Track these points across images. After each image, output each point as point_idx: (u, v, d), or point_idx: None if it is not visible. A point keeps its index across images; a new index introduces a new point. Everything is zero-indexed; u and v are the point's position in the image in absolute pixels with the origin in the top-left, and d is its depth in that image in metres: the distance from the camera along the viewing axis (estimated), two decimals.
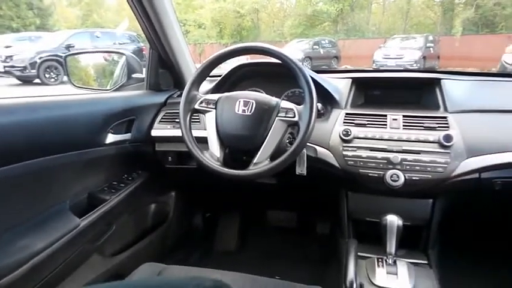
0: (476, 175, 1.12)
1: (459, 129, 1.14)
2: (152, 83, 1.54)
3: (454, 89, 1.28)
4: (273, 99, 1.12)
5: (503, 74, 1.60)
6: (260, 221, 2.09)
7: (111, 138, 1.30)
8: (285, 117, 1.08)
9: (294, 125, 1.08)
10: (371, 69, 2.05)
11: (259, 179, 1.19)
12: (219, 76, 1.48)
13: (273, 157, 1.07)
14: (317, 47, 14.84)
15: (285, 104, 1.10)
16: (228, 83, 1.46)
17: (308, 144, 1.20)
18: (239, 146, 1.15)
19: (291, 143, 1.10)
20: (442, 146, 1.11)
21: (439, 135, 1.12)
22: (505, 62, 5.65)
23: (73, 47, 9.24)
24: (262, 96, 1.14)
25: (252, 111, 1.09)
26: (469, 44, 13.67)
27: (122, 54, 1.64)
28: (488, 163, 1.10)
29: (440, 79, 1.29)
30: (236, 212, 2.07)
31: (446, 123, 1.16)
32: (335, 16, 19.36)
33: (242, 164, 1.09)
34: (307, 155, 1.19)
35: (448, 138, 1.11)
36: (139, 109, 1.42)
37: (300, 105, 1.08)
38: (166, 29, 1.39)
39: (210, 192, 1.92)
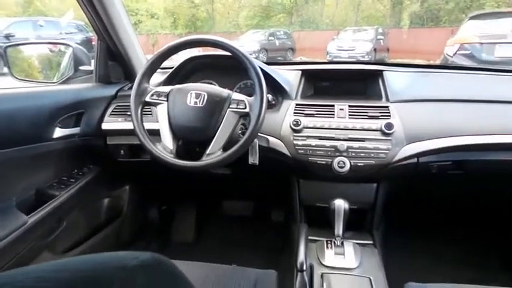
0: (415, 160, 1.21)
1: (399, 118, 1.22)
2: (101, 76, 1.50)
3: (395, 80, 1.36)
4: (225, 91, 1.14)
5: (440, 66, 1.73)
6: (216, 212, 2.12)
7: (58, 132, 1.26)
8: (236, 108, 1.10)
9: (245, 116, 1.11)
10: (320, 61, 2.12)
11: (212, 170, 1.21)
12: (171, 68, 1.47)
13: (225, 148, 1.10)
14: (272, 38, 14.90)
15: (236, 95, 1.13)
16: (180, 75, 1.46)
17: (260, 134, 1.24)
18: (192, 138, 1.17)
19: (243, 134, 1.13)
20: (384, 134, 1.19)
21: (381, 123, 1.20)
22: (446, 54, 5.99)
23: (13, 36, 8.64)
24: (214, 88, 1.16)
25: (203, 103, 1.11)
26: (416, 37, 14.33)
27: (68, 45, 1.58)
28: (425, 148, 1.19)
29: (382, 71, 1.37)
30: (192, 203, 2.08)
31: (388, 112, 1.24)
32: (290, 8, 19.55)
33: (196, 156, 1.11)
34: (259, 145, 1.23)
35: (389, 126, 1.18)
36: (88, 102, 1.38)
37: (251, 96, 1.11)
38: (113, 18, 1.36)
39: (165, 185, 1.92)
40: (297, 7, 19.51)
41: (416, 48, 12.17)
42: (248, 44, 13.47)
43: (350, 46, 12.19)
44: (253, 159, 1.23)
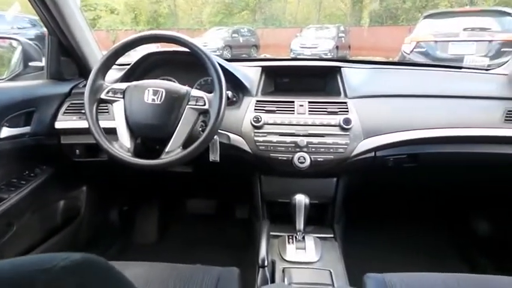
0: (372, 154, 1.24)
1: (357, 113, 1.25)
2: (53, 72, 1.43)
3: (353, 77, 1.39)
4: (183, 88, 1.12)
5: (396, 63, 1.79)
6: (180, 211, 2.08)
7: (6, 132, 1.19)
8: (195, 105, 1.09)
9: (204, 112, 1.10)
10: (279, 58, 2.14)
11: (173, 168, 1.19)
12: (129, 65, 1.42)
13: (185, 145, 1.08)
14: (236, 35, 14.85)
15: (195, 92, 1.11)
16: (138, 72, 1.42)
17: (220, 131, 1.23)
18: (151, 136, 1.15)
19: (203, 131, 1.11)
20: (343, 129, 1.21)
21: (339, 119, 1.22)
22: (404, 51, 6.21)
23: None
24: (172, 85, 1.14)
25: (161, 100, 1.09)
26: (376, 34, 14.74)
27: (17, 40, 1.50)
28: (382, 143, 1.23)
29: (340, 67, 1.39)
30: (155, 203, 2.04)
31: (346, 108, 1.26)
32: (253, 5, 19.57)
33: (156, 154, 1.09)
34: (220, 142, 1.22)
35: (347, 121, 1.21)
36: (39, 100, 1.31)
37: (211, 93, 1.10)
38: (64, 11, 1.30)
39: (125, 185, 1.86)
40: (260, 4, 19.57)
41: (377, 45, 12.52)
42: (212, 41, 13.35)
43: (313, 44, 12.36)
44: (214, 156, 1.22)
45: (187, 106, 1.09)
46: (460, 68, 1.59)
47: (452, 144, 1.28)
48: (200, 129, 1.16)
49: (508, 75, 1.43)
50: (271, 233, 1.27)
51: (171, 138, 1.08)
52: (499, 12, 6.21)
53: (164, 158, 1.06)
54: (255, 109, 1.29)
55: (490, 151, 1.28)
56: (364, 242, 1.61)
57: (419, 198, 1.88)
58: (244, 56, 13.59)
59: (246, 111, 1.29)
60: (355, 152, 1.21)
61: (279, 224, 1.33)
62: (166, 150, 1.07)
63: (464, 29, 5.77)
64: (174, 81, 1.35)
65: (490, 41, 5.49)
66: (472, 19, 6.07)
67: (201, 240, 1.90)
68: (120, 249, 1.82)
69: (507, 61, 1.50)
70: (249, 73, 1.42)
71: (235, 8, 19.62)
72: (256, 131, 1.24)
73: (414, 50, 6.00)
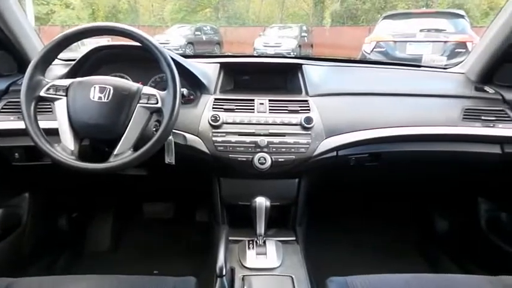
0: (334, 153, 1.21)
1: (318, 112, 1.21)
2: None
3: (314, 74, 1.36)
4: (134, 85, 1.04)
5: (357, 61, 1.78)
6: (135, 215, 1.97)
7: None
8: (147, 103, 1.02)
9: (157, 111, 1.03)
10: (239, 54, 2.08)
11: (124, 172, 1.10)
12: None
13: (136, 147, 1.01)
14: (199, 33, 14.68)
15: (147, 89, 1.04)
16: (85, 68, 1.30)
17: (176, 131, 1.16)
18: (98, 137, 1.07)
19: (157, 131, 1.03)
20: (304, 128, 1.17)
21: (301, 117, 1.18)
22: (364, 51, 6.37)
23: None
24: (122, 81, 1.05)
25: (109, 98, 1.00)
26: (337, 35, 15.05)
27: None
28: (344, 141, 1.20)
29: (301, 64, 1.35)
30: (107, 208, 1.91)
31: (307, 106, 1.22)
32: (216, 3, 19.43)
33: (105, 157, 1.00)
34: (175, 142, 1.15)
35: (308, 120, 1.17)
36: None
37: (165, 91, 1.02)
38: None
39: (74, 190, 1.73)
40: (223, 2, 19.47)
41: (339, 45, 12.78)
42: (174, 38, 13.16)
43: (276, 42, 12.41)
44: (170, 158, 1.15)
45: (138, 105, 1.01)
46: (419, 66, 1.60)
47: (413, 142, 1.28)
48: (154, 129, 1.08)
49: (464, 74, 1.45)
50: (231, 238, 1.21)
51: (120, 139, 0.99)
52: (453, 14, 6.51)
53: (112, 162, 0.98)
54: (213, 107, 1.22)
55: (449, 149, 1.29)
56: (327, 244, 1.59)
57: (381, 198, 1.88)
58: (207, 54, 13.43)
59: (204, 110, 1.22)
60: (316, 152, 1.17)
61: (240, 228, 1.27)
62: (115, 152, 0.99)
63: (421, 30, 6.00)
64: (127, 79, 1.26)
65: (445, 42, 5.73)
66: (428, 20, 6.33)
67: (159, 247, 1.80)
68: (69, 260, 1.69)
69: (463, 60, 1.52)
70: (207, 70, 1.35)
71: (198, 6, 19.42)
72: (214, 130, 1.18)
73: (374, 49, 6.16)
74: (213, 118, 1.18)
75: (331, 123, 1.20)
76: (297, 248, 1.24)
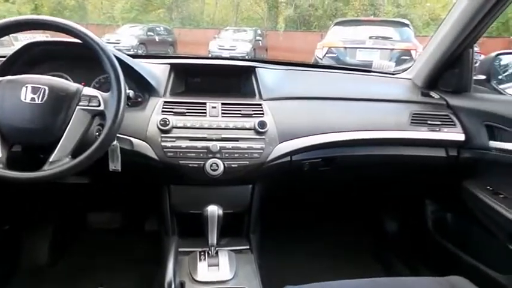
0: (288, 158, 1.19)
1: (272, 116, 1.19)
2: None
3: (268, 78, 1.33)
4: (73, 85, 0.96)
5: (311, 65, 1.78)
6: (80, 227, 1.83)
7: None
8: (87, 106, 0.95)
9: (100, 114, 0.97)
10: (190, 56, 2.01)
11: (62, 180, 1.01)
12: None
13: (76, 153, 0.93)
14: (152, 33, 14.35)
15: (88, 90, 0.97)
16: (17, 66, 1.18)
17: (121, 136, 1.09)
18: (31, 142, 0.97)
19: (100, 136, 0.96)
20: (258, 133, 1.14)
21: (254, 122, 1.14)
22: (317, 56, 6.54)
23: None
24: (59, 81, 0.97)
25: (44, 99, 0.92)
26: (291, 40, 15.32)
27: None
28: (298, 146, 1.19)
29: (255, 67, 1.32)
30: (47, 219, 1.75)
31: (261, 110, 1.19)
32: (170, 3, 19.08)
33: (40, 164, 0.91)
34: (121, 148, 1.08)
35: (262, 124, 1.14)
36: None
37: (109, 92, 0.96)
38: None
39: (5, 200, 1.57)
40: (177, 3, 19.15)
41: (293, 48, 12.99)
42: (125, 38, 12.78)
43: (231, 46, 12.42)
44: (115, 165, 1.07)
45: (78, 107, 0.94)
46: (370, 71, 1.63)
47: (364, 146, 1.29)
48: (97, 133, 1.00)
49: (411, 79, 1.50)
50: (181, 249, 1.15)
51: (57, 145, 0.91)
52: (399, 23, 6.88)
53: (47, 170, 0.89)
54: (163, 111, 1.16)
55: (398, 153, 1.32)
56: (282, 251, 1.57)
57: (335, 203, 1.89)
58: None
59: (152, 114, 1.15)
60: (270, 157, 1.15)
61: (191, 238, 1.21)
62: (51, 159, 0.90)
63: (370, 37, 6.26)
64: (67, 79, 1.16)
65: (391, 49, 6.02)
66: (376, 28, 6.62)
67: (104, 260, 1.67)
68: (2, 276, 1.53)
69: (409, 67, 1.58)
70: (156, 71, 1.28)
71: (151, 6, 18.97)
72: (163, 135, 1.11)
73: (326, 55, 6.33)
74: (162, 122, 1.12)
75: (285, 128, 1.18)
76: (250, 257, 1.20)
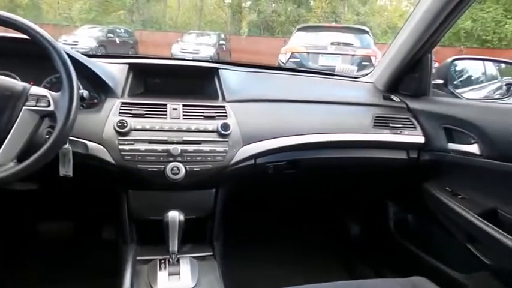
0: (252, 161, 1.17)
1: (236, 118, 1.16)
2: None
3: (231, 79, 1.31)
4: (19, 84, 0.89)
5: (275, 67, 1.77)
6: (28, 237, 1.70)
7: None
8: (35, 106, 0.87)
9: (49, 115, 0.89)
10: (151, 56, 1.95)
11: (5, 187, 0.93)
12: None
13: (22, 157, 0.85)
14: (112, 35, 13.99)
15: (37, 90, 0.89)
16: None
17: (75, 139, 1.01)
18: None
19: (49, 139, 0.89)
20: (221, 135, 1.10)
21: (217, 124, 1.11)
22: (280, 61, 6.62)
23: None
24: (3, 79, 0.89)
25: None
26: (255, 44, 15.44)
27: None
28: (262, 149, 1.16)
29: (218, 68, 1.29)
30: None
31: (225, 112, 1.16)
32: (130, 5, 18.68)
33: None
34: (74, 152, 1.00)
35: (225, 127, 1.11)
36: None
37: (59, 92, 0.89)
38: None
39: None
40: (138, 5, 18.78)
41: (257, 52, 13.08)
42: (84, 40, 12.38)
43: (194, 49, 12.32)
44: (66, 170, 0.99)
45: (24, 107, 0.86)
46: (333, 75, 1.64)
47: (329, 149, 1.29)
48: (46, 136, 0.93)
49: (373, 83, 1.52)
50: (140, 258, 1.09)
51: None
52: (359, 30, 7.09)
53: None
54: (120, 112, 1.10)
55: (361, 155, 1.33)
56: (246, 257, 1.53)
57: (301, 206, 1.88)
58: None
59: (109, 115, 1.09)
60: (234, 160, 1.12)
61: (151, 246, 1.16)
62: None
63: (332, 43, 6.41)
64: (14, 77, 1.08)
65: (352, 55, 6.18)
66: (337, 34, 6.79)
67: (57, 273, 1.56)
68: None
69: (371, 71, 1.60)
70: (114, 71, 1.22)
71: (111, 7, 18.49)
72: (120, 138, 1.05)
73: (290, 60, 6.41)
74: (119, 124, 1.06)
75: (249, 130, 1.16)
76: (214, 264, 1.16)
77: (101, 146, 1.05)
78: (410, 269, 1.09)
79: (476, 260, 1.11)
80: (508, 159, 1.01)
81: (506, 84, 1.80)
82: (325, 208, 1.92)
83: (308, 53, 6.35)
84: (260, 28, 18.25)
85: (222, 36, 14.62)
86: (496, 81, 1.90)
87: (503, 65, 1.91)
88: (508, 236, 0.96)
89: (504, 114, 1.13)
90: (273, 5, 18.63)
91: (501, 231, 0.99)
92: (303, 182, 1.51)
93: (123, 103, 1.12)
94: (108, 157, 1.05)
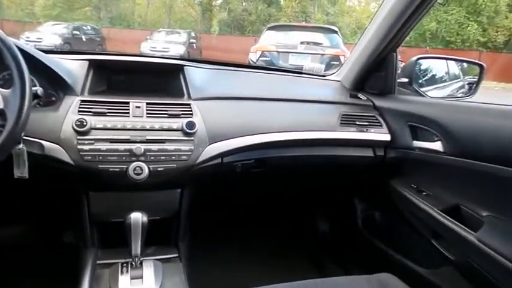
0: (219, 160, 1.14)
1: (201, 116, 1.13)
2: None
3: (197, 77, 1.28)
4: None
5: (242, 65, 1.75)
6: None
7: None
8: None
9: None
10: (113, 52, 1.88)
11: None
12: None
13: None
14: (78, 32, 13.55)
15: None
16: None
17: (29, 138, 0.96)
18: None
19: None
20: (186, 134, 1.07)
21: (182, 122, 1.08)
22: (250, 60, 6.60)
23: None
24: None
25: None
26: (225, 43, 15.38)
27: None
28: (229, 147, 1.14)
29: (183, 65, 1.26)
30: None
31: (190, 111, 1.13)
32: (97, 2, 18.16)
33: None
34: (29, 152, 0.95)
35: (191, 125, 1.08)
36: None
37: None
38: None
39: None
40: (106, 2, 18.27)
41: (228, 50, 13.03)
42: (48, 36, 11.94)
43: (164, 47, 12.13)
44: (21, 171, 0.94)
45: None
46: (301, 73, 1.64)
47: (296, 147, 1.29)
48: None
49: (340, 81, 1.53)
50: (101, 262, 1.05)
51: None
52: (328, 29, 7.17)
53: None
54: (79, 111, 1.05)
55: (328, 153, 1.34)
56: (213, 258, 1.50)
57: (269, 205, 1.88)
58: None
59: (67, 114, 1.03)
60: (200, 159, 1.09)
61: (113, 249, 1.11)
62: None
63: (302, 42, 6.45)
64: None
65: (322, 55, 6.25)
66: (307, 34, 6.84)
67: (13, 280, 1.48)
68: None
69: (337, 70, 1.61)
70: (73, 67, 1.16)
71: (76, 3, 17.90)
72: (80, 137, 1.00)
73: (260, 58, 6.41)
74: (78, 123, 1.00)
75: (215, 129, 1.13)
76: (179, 266, 1.13)
77: (58, 146, 1.00)
78: (378, 266, 1.10)
79: (441, 255, 1.13)
80: (470, 156, 1.03)
81: (468, 83, 1.84)
82: (293, 206, 1.93)
83: (278, 52, 6.37)
84: (231, 27, 18.21)
85: (193, 34, 14.47)
86: (458, 80, 1.95)
87: (465, 65, 1.97)
88: (471, 231, 0.99)
89: (466, 113, 1.15)
90: (244, 3, 18.64)
91: (464, 226, 1.01)
92: (270, 181, 1.50)
93: (82, 101, 1.07)
94: (66, 157, 1.00)
